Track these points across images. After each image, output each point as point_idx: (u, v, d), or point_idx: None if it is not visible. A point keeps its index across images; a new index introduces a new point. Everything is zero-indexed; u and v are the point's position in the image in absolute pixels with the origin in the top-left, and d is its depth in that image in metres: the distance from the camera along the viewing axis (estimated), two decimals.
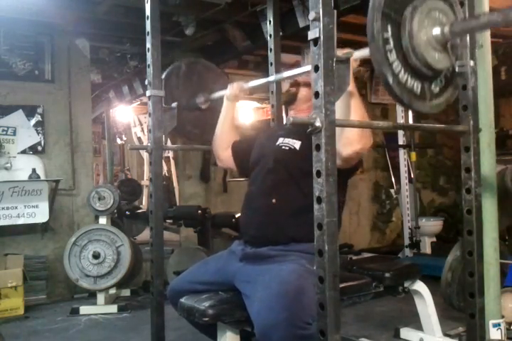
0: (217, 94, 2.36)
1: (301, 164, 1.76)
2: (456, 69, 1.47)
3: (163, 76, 2.29)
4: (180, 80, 2.40)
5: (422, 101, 1.39)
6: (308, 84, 1.97)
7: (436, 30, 1.35)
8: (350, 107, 1.68)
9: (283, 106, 2.62)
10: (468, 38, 1.57)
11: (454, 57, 1.43)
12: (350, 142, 1.67)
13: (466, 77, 1.59)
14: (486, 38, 1.95)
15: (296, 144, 1.92)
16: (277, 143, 1.98)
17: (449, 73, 1.48)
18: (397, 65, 1.31)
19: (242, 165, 2.16)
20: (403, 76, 1.33)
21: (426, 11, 1.34)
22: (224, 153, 2.20)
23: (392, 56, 1.30)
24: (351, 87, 1.62)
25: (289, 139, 1.95)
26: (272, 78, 2.29)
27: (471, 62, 1.51)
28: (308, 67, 1.78)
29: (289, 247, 1.80)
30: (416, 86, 1.37)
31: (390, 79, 1.29)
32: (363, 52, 1.50)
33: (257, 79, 2.25)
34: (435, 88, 1.44)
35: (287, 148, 1.93)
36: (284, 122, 2.45)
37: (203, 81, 2.47)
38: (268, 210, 1.87)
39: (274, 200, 1.86)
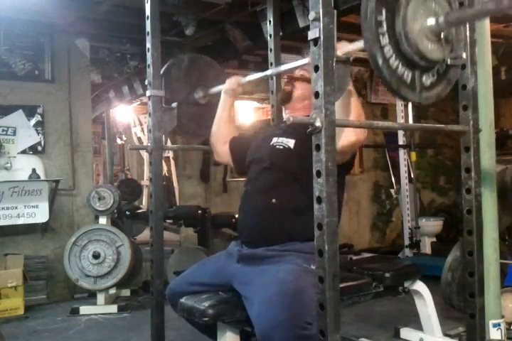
0: (215, 89, 2.36)
1: (297, 163, 1.77)
2: (449, 62, 1.44)
3: (164, 67, 2.29)
4: (181, 73, 2.39)
5: (412, 91, 1.37)
6: (305, 81, 1.97)
7: (431, 21, 1.33)
8: (349, 106, 1.68)
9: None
10: (463, 30, 1.54)
11: (448, 50, 1.41)
12: (345, 133, 1.67)
13: (459, 70, 1.56)
14: (484, 36, 1.94)
15: (290, 143, 1.91)
16: (271, 143, 1.98)
17: (441, 69, 1.46)
18: (388, 50, 1.29)
19: (238, 161, 2.16)
20: (394, 62, 1.31)
21: (422, 0, 1.33)
22: (222, 148, 2.20)
23: (385, 40, 1.28)
24: (350, 85, 1.62)
25: (283, 138, 1.95)
26: (269, 72, 2.26)
27: (464, 55, 1.49)
28: (305, 60, 1.78)
29: (286, 247, 1.80)
30: (406, 74, 1.35)
31: (380, 61, 1.27)
32: (358, 44, 1.48)
33: (255, 74, 2.24)
34: (426, 81, 1.42)
35: (281, 147, 1.93)
36: (284, 119, 2.45)
37: (203, 77, 2.46)
38: (264, 210, 1.87)
39: (270, 200, 1.86)
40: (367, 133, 1.76)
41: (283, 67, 2.04)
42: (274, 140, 1.98)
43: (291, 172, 1.87)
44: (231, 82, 2.21)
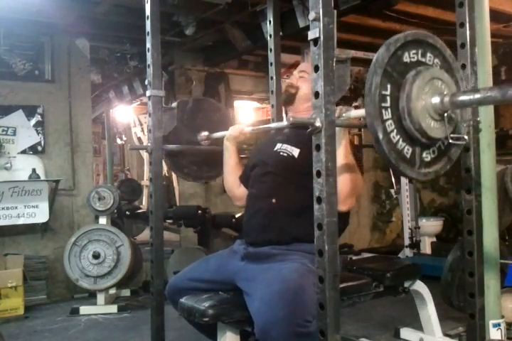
0: (218, 134, 2.32)
1: (300, 171, 1.79)
2: (450, 141, 1.39)
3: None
4: (185, 116, 2.39)
5: (410, 167, 1.34)
6: (306, 81, 1.98)
7: (436, 99, 1.30)
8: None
9: (283, 107, 2.62)
10: (468, 112, 1.53)
11: (450, 129, 1.37)
12: (343, 199, 1.70)
13: (460, 150, 1.52)
14: (484, 36, 1.94)
15: (295, 152, 1.91)
16: (275, 149, 1.98)
17: (443, 146, 1.42)
18: (390, 124, 1.27)
19: None
20: (395, 136, 1.28)
21: (428, 78, 1.30)
22: (239, 191, 2.17)
23: (387, 114, 1.26)
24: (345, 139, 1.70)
25: (287, 145, 1.95)
26: (273, 125, 2.21)
27: (466, 138, 1.46)
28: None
29: (292, 247, 1.81)
30: (406, 150, 1.31)
31: (380, 135, 1.24)
32: (361, 112, 1.47)
33: (259, 126, 2.23)
34: (426, 157, 1.38)
35: (285, 154, 1.93)
36: (284, 120, 2.45)
37: (207, 119, 2.45)
38: (269, 211, 1.88)
39: (274, 201, 1.87)
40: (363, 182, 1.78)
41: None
42: (278, 146, 1.98)
43: (293, 178, 1.88)
44: (234, 129, 2.17)
